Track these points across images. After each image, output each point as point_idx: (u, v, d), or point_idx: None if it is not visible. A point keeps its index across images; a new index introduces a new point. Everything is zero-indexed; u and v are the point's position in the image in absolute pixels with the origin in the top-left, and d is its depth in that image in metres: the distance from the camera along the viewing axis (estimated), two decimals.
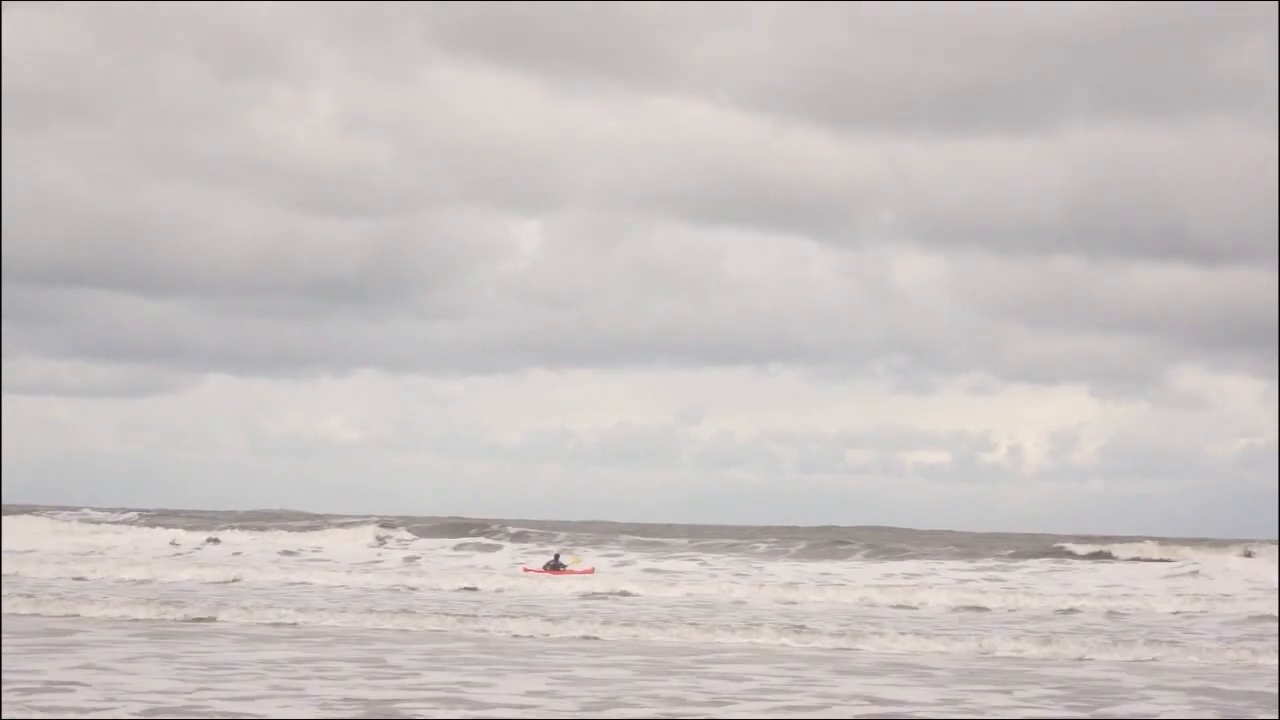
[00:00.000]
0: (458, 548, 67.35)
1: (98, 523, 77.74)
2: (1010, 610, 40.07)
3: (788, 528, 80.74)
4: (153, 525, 76.54)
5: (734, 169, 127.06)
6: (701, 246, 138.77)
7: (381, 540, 70.52)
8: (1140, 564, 61.90)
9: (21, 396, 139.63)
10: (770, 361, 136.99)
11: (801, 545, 69.54)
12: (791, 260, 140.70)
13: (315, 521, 79.37)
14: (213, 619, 32.55)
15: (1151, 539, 70.20)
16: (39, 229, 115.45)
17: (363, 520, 76.56)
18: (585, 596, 42.66)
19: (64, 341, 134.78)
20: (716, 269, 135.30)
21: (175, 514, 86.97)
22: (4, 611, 32.55)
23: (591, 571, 53.41)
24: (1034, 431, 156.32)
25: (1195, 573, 56.85)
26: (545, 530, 74.30)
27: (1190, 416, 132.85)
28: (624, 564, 59.77)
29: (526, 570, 53.62)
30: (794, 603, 41.97)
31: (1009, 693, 22.91)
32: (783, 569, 57.78)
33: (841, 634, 31.27)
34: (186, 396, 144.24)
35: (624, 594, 43.41)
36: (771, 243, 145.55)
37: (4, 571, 46.22)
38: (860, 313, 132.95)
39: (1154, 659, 28.35)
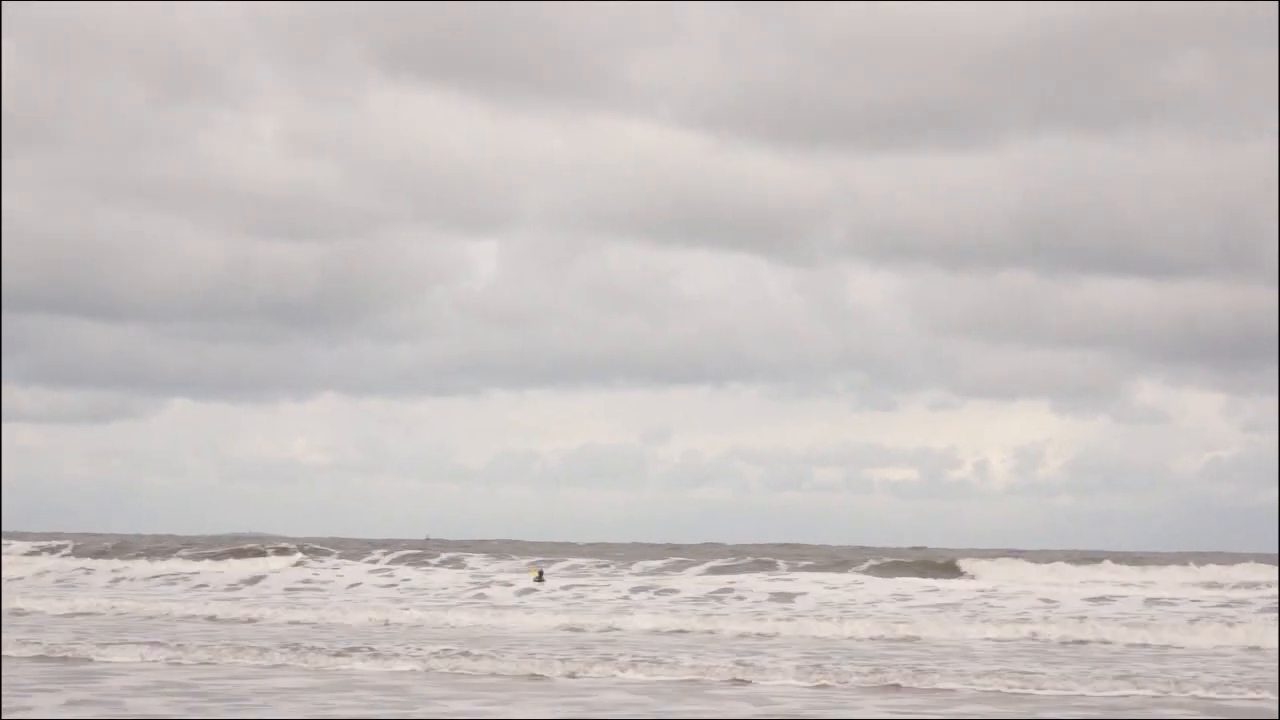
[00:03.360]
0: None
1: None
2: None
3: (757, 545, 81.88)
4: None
5: (681, 188, 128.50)
6: (654, 265, 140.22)
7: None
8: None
9: None
10: (729, 380, 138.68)
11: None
12: (744, 279, 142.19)
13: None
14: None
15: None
16: None
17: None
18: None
19: (21, 368, 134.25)
20: (670, 288, 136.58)
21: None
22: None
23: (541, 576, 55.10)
24: (998, 447, 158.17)
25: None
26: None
27: (1153, 431, 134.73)
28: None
29: None
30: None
31: None
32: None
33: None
34: (149, 422, 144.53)
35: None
36: (723, 261, 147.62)
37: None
38: (816, 330, 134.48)
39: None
